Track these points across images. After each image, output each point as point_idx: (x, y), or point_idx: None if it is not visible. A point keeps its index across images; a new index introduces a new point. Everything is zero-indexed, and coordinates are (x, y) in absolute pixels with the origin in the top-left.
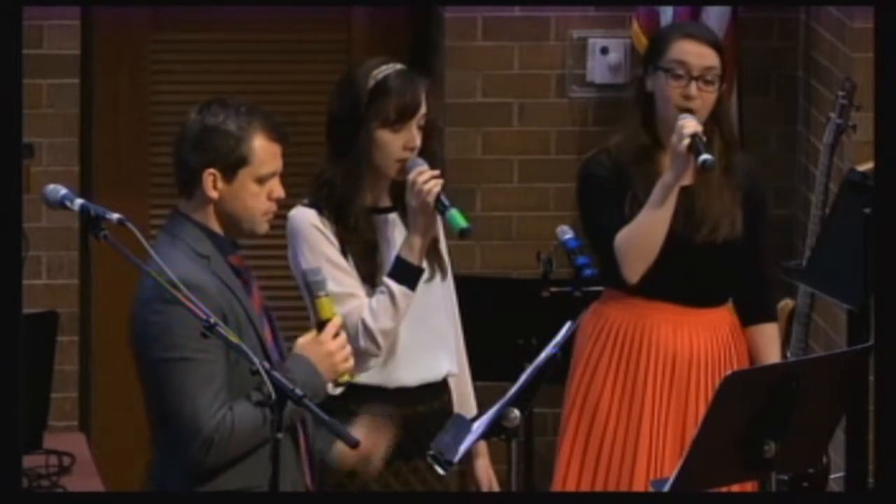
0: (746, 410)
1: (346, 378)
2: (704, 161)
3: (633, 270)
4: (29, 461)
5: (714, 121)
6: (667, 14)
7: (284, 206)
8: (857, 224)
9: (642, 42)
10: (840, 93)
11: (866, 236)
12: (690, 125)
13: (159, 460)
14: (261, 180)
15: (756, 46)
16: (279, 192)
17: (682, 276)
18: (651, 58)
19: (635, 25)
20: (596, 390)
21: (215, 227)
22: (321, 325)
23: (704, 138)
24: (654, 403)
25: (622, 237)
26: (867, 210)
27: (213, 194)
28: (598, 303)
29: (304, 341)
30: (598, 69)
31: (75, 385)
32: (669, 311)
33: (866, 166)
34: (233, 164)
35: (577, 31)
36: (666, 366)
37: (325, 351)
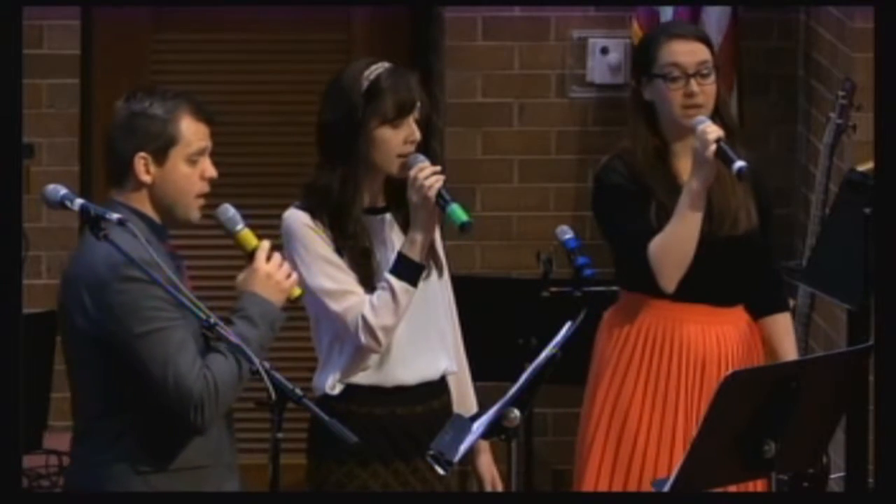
0: (747, 410)
1: (297, 292)
2: (740, 169)
3: (671, 279)
4: (29, 461)
5: (714, 112)
6: (667, 14)
7: (281, 206)
8: (857, 224)
9: None
10: (840, 93)
11: (866, 236)
12: (713, 130)
13: (97, 453)
14: (192, 160)
15: (756, 46)
16: (211, 171)
17: (709, 276)
18: (643, 68)
19: (635, 25)
20: (626, 396)
21: (150, 213)
22: (251, 256)
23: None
24: (687, 406)
25: (656, 248)
26: (867, 210)
27: (146, 178)
28: (617, 307)
29: (241, 277)
30: (598, 69)
31: None
32: (697, 312)
33: (866, 166)
34: (162, 145)
35: (577, 31)
36: (696, 367)
37: (264, 275)
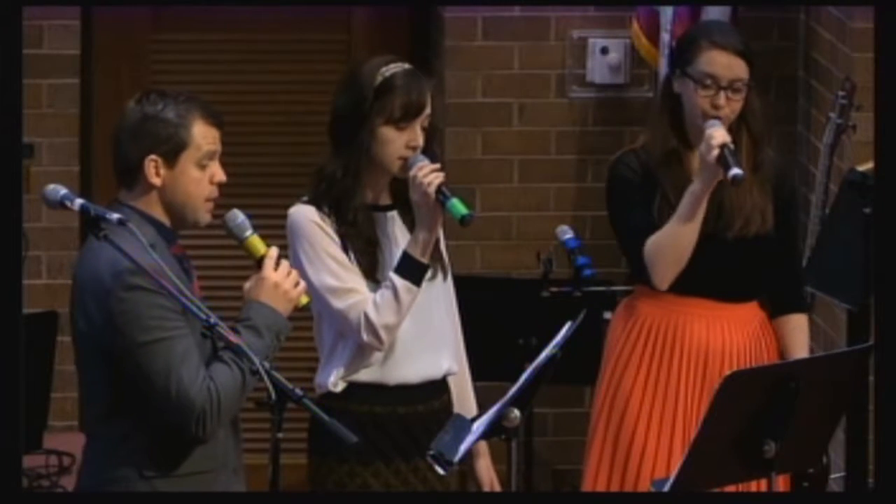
0: (747, 410)
1: (305, 300)
2: (734, 176)
3: (663, 278)
4: (29, 461)
5: (741, 118)
6: (667, 14)
7: (281, 206)
8: (857, 224)
9: (642, 42)
10: (840, 93)
11: (866, 236)
12: (719, 135)
13: (100, 455)
14: (202, 164)
15: (756, 46)
16: (220, 175)
17: (716, 272)
18: (679, 62)
19: (635, 25)
20: (626, 388)
21: (159, 216)
22: (259, 263)
23: (733, 146)
24: (687, 401)
25: (651, 245)
26: (867, 210)
27: (156, 181)
28: (629, 299)
29: (249, 286)
30: (598, 69)
31: (75, 385)
32: (703, 307)
33: (866, 166)
34: (173, 148)
35: (577, 31)
36: (699, 362)
37: (272, 284)
